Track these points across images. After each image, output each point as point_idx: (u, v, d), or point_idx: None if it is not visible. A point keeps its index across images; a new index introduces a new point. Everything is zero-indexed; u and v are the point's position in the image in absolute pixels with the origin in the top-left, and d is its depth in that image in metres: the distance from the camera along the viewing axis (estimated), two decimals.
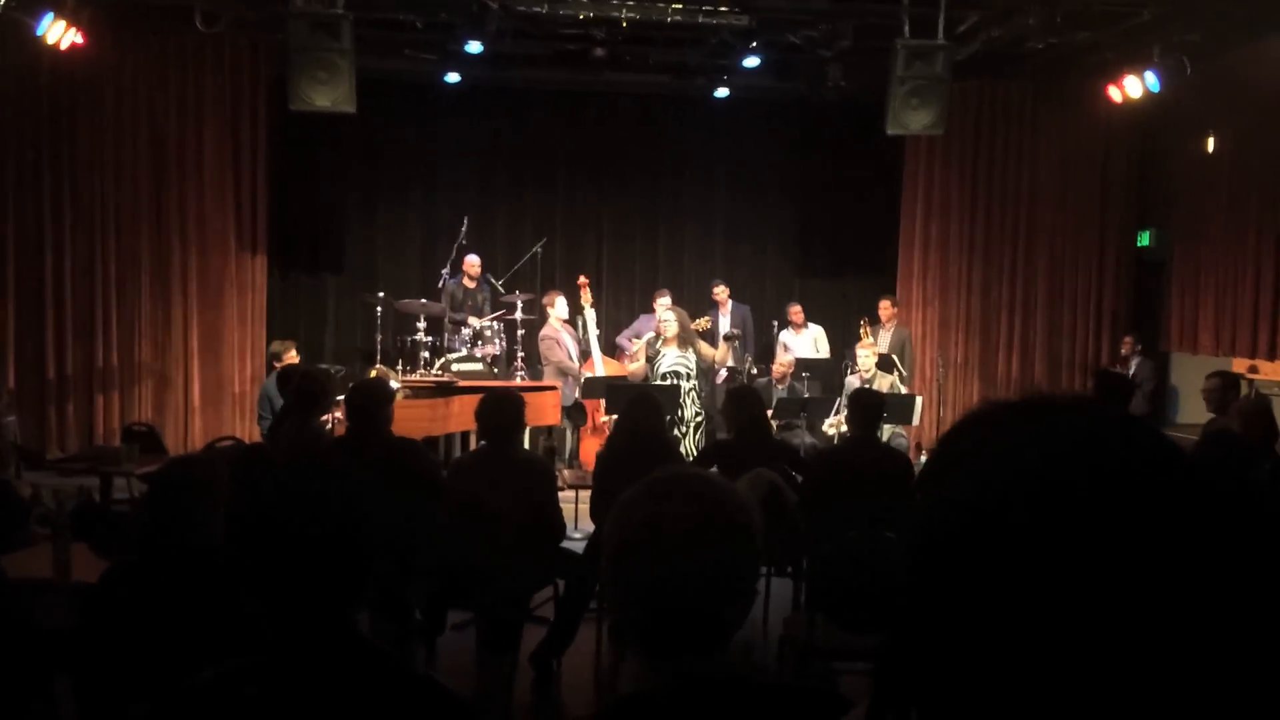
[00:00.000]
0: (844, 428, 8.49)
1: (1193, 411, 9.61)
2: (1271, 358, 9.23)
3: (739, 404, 5.67)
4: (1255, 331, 9.40)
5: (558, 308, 9.33)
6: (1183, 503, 0.64)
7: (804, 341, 10.15)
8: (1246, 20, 8.18)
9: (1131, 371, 10.12)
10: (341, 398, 5.88)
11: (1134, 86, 9.40)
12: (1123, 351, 10.53)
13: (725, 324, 10.16)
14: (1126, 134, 10.75)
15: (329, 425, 6.35)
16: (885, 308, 9.96)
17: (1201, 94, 9.51)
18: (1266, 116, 9.15)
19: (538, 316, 9.77)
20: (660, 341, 8.07)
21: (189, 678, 1.50)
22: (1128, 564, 0.61)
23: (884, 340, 9.68)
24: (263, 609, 1.53)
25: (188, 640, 2.67)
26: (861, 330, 9.35)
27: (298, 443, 4.98)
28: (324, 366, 9.42)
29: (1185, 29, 8.49)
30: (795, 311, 10.30)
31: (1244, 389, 7.45)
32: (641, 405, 5.48)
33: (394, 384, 8.45)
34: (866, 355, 8.85)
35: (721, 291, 10.41)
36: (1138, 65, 9.20)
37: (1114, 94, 9.74)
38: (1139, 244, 11.06)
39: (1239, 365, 9.18)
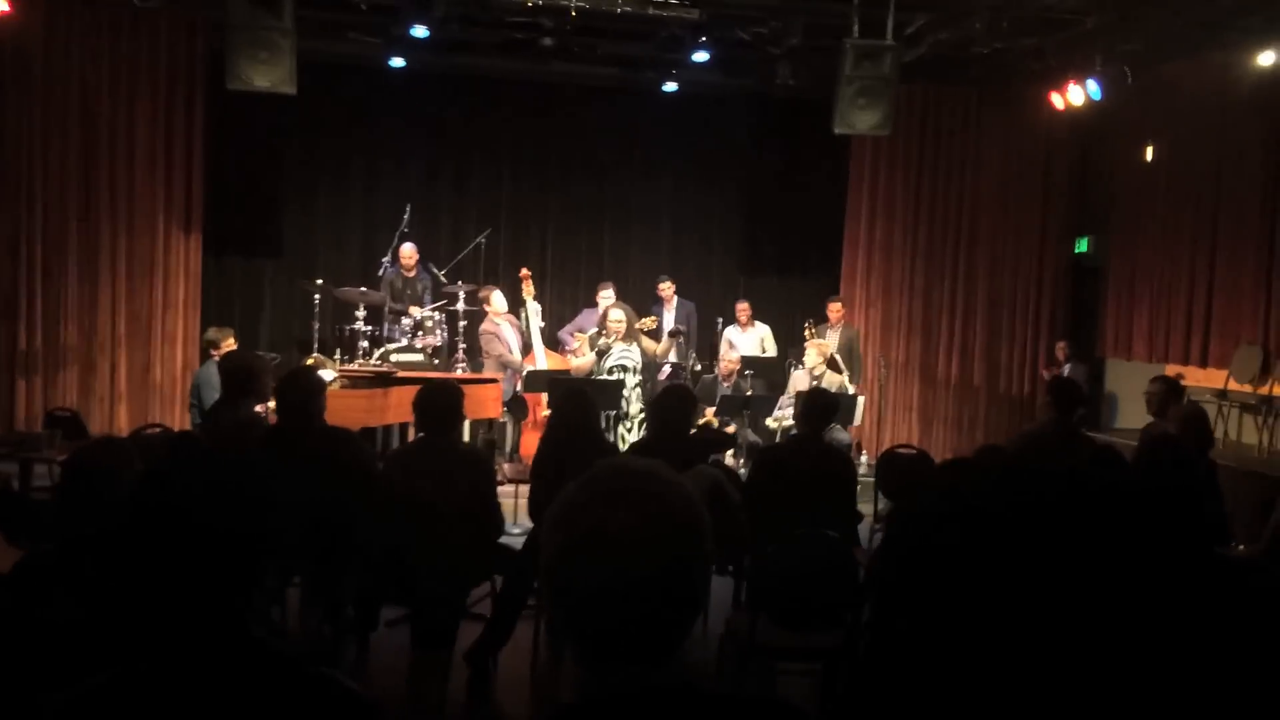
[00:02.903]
0: (786, 423, 8.50)
1: (1130, 417, 9.78)
2: (1203, 365, 9.43)
3: (661, 406, 5.50)
4: (1188, 339, 9.59)
5: (494, 303, 9.22)
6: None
7: (750, 340, 10.13)
8: (1185, 33, 8.33)
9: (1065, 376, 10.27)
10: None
11: (1076, 94, 9.53)
12: (1057, 356, 10.66)
13: (669, 320, 10.10)
14: (1067, 141, 10.90)
15: (264, 415, 6.19)
16: (835, 309, 9.97)
17: (1141, 104, 9.68)
18: (1202, 128, 9.34)
19: (479, 309, 9.64)
20: (612, 337, 7.99)
21: (78, 683, 1.43)
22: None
23: (832, 340, 9.70)
24: (150, 604, 1.47)
25: (99, 632, 2.56)
26: (807, 332, 9.36)
27: (227, 431, 4.83)
28: (259, 353, 9.20)
29: (1126, 39, 8.62)
30: (742, 309, 10.25)
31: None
32: (572, 400, 5.41)
33: (331, 373, 8.27)
34: (813, 354, 8.85)
35: (667, 288, 10.35)
36: (1080, 73, 9.32)
37: (1056, 101, 9.87)
38: (1077, 250, 11.23)
39: (1169, 372, 9.35)
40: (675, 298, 10.38)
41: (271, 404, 6.31)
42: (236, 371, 5.30)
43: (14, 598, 2.74)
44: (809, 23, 8.76)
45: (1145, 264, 10.18)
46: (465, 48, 9.88)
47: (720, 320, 10.36)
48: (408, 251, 9.80)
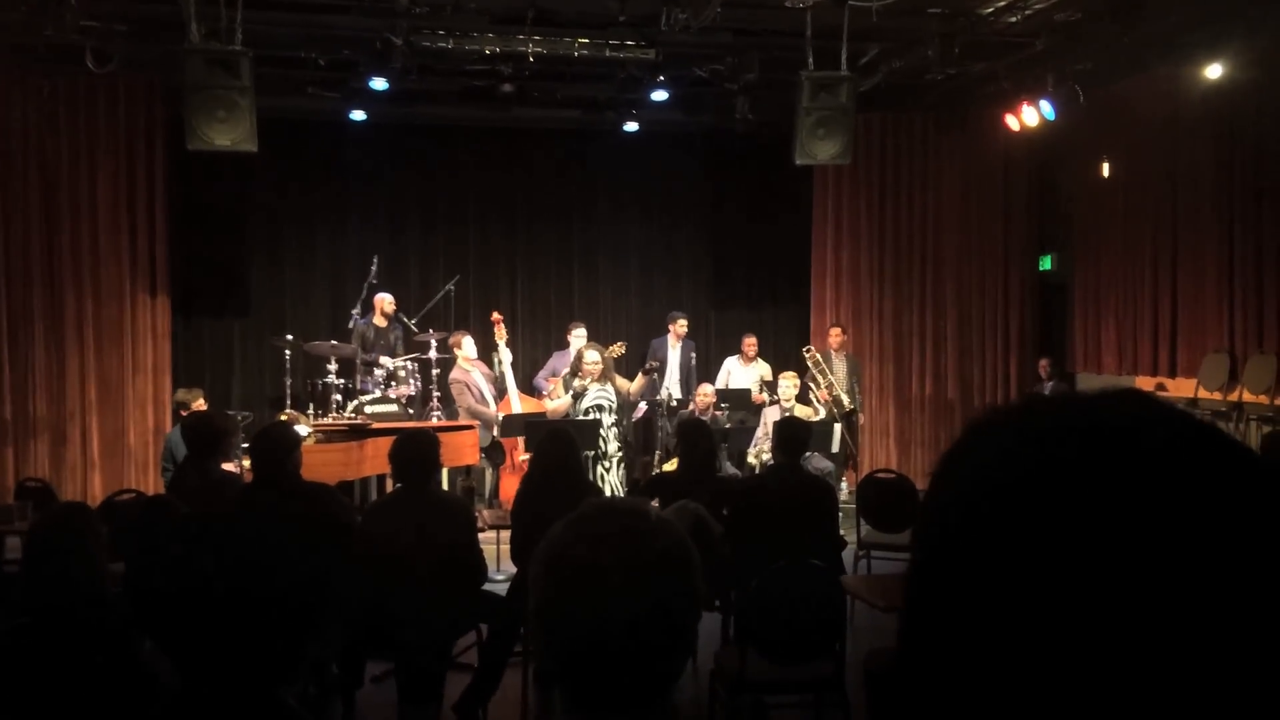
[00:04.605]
0: (765, 456, 8.49)
1: None
2: (1172, 375, 9.52)
3: (690, 438, 5.63)
4: (1155, 350, 9.69)
5: (465, 348, 9.16)
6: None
7: (750, 374, 10.14)
8: (1133, 50, 8.48)
9: (1047, 394, 10.33)
10: (247, 445, 5.67)
11: (1030, 115, 9.66)
12: (1040, 375, 10.74)
13: (676, 358, 10.09)
14: (1025, 161, 11.06)
15: (237, 472, 6.12)
16: (835, 334, 10.04)
17: (1095, 121, 9.83)
18: (1156, 142, 9.50)
19: (451, 356, 9.60)
20: (588, 379, 7.99)
21: None
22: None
23: (839, 368, 9.74)
24: (183, 674, 1.42)
25: (79, 702, 2.50)
26: (808, 359, 9.39)
27: (202, 492, 4.76)
28: (230, 413, 9.10)
29: (1077, 59, 8.76)
30: (750, 344, 10.25)
31: None
32: (555, 441, 5.39)
33: (305, 429, 8.19)
34: (787, 386, 8.88)
35: (683, 325, 10.24)
36: (1033, 94, 9.47)
37: (1011, 122, 10.00)
38: (1041, 268, 11.35)
39: (1147, 383, 9.43)
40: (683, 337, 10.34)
41: (247, 463, 6.26)
42: (201, 431, 5.25)
43: None
44: (764, 58, 8.85)
45: (1109, 278, 10.30)
46: (425, 97, 9.92)
47: (693, 356, 10.37)
48: (385, 299, 9.75)
